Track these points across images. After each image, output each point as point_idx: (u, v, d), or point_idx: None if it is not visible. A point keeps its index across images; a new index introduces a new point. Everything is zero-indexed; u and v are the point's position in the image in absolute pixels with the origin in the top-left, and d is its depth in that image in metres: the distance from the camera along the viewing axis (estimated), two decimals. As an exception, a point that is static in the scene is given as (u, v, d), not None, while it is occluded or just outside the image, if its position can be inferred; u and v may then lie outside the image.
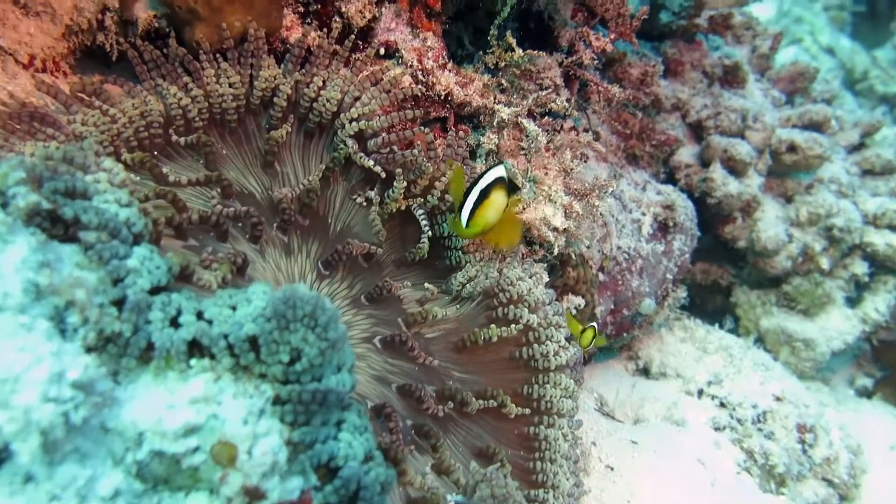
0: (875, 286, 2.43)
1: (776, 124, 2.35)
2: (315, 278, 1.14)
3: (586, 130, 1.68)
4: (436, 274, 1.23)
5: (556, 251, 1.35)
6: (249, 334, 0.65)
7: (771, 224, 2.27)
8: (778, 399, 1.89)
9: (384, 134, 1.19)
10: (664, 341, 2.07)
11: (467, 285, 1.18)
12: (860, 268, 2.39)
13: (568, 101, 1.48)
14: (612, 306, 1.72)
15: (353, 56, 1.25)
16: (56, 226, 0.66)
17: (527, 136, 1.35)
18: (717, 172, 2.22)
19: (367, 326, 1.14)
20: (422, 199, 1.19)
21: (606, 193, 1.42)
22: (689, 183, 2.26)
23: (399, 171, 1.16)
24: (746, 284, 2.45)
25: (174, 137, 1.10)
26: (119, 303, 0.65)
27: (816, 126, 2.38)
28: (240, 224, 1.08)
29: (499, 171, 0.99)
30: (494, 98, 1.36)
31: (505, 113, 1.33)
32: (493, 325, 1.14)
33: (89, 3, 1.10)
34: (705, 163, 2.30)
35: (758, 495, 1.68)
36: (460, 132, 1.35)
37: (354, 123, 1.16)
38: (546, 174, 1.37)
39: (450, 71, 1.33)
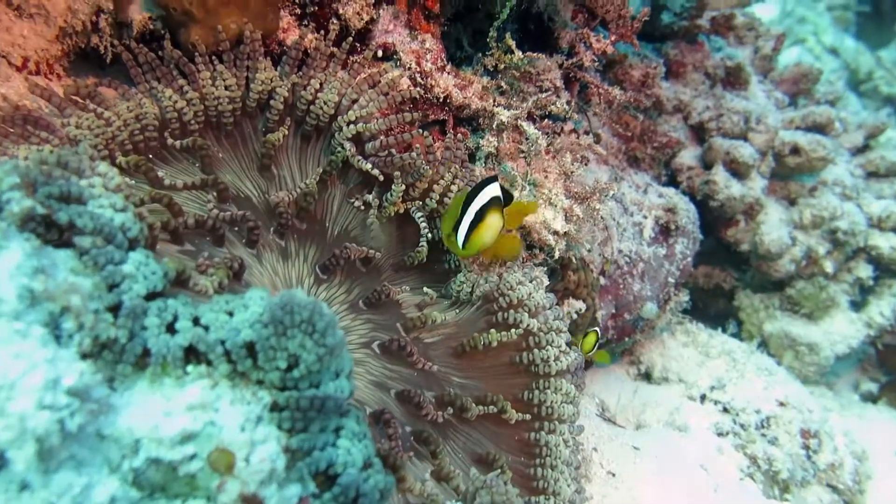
0: (880, 290, 2.42)
1: (779, 126, 2.34)
2: (312, 283, 1.13)
3: (587, 133, 1.67)
4: (435, 278, 1.22)
5: (556, 255, 1.34)
6: (246, 340, 0.64)
7: (774, 227, 2.26)
8: (782, 404, 1.87)
9: (382, 137, 1.18)
10: (666, 346, 2.07)
11: (466, 289, 1.17)
12: (865, 271, 2.38)
13: (568, 103, 1.48)
14: (614, 310, 1.72)
15: (351, 58, 1.24)
16: (50, 231, 0.65)
17: (527, 139, 1.35)
18: (720, 175, 2.21)
19: (365, 331, 1.13)
20: (420, 203, 1.19)
21: (607, 196, 1.41)
22: (692, 185, 2.25)
23: (397, 174, 1.15)
24: (749, 288, 2.44)
25: (169, 141, 1.09)
26: (114, 309, 0.65)
27: (820, 128, 2.36)
28: (236, 228, 1.07)
29: (494, 190, 0.98)
30: (494, 100, 1.35)
31: (504, 115, 1.33)
32: (492, 330, 1.13)
33: (83, 4, 1.09)
34: (707, 165, 2.29)
35: (761, 501, 1.67)
36: (459, 135, 1.34)
37: (352, 126, 1.15)
38: (546, 177, 1.36)
39: (448, 73, 1.33)
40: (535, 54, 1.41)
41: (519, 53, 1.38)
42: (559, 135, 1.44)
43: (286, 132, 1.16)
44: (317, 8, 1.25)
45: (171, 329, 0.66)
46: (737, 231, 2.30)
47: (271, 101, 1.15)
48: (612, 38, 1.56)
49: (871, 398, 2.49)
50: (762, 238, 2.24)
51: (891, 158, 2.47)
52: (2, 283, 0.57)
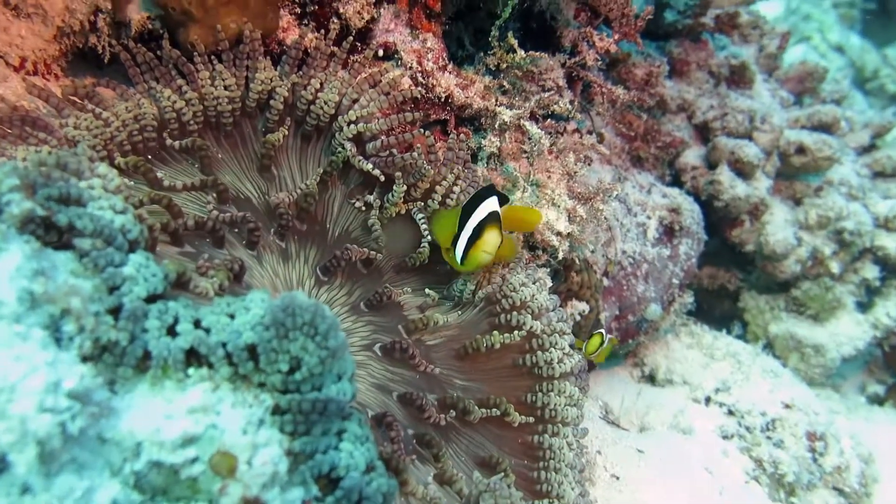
0: (887, 291, 2.39)
1: (784, 125, 2.32)
2: (313, 285, 1.13)
3: (590, 132, 1.66)
4: (436, 279, 1.21)
5: (559, 256, 1.34)
6: (248, 343, 0.64)
7: (779, 227, 2.24)
8: (787, 406, 1.86)
9: (383, 137, 1.17)
10: (670, 347, 2.05)
11: (469, 291, 1.17)
12: (871, 272, 2.36)
13: (571, 102, 1.47)
14: (617, 312, 1.71)
15: (352, 58, 1.23)
16: (50, 233, 0.65)
17: (529, 139, 1.34)
18: (725, 175, 2.19)
19: (366, 334, 1.12)
20: (422, 203, 1.18)
21: (611, 197, 1.40)
22: (696, 185, 2.23)
23: (399, 174, 1.15)
24: (755, 289, 2.42)
25: (168, 141, 1.09)
26: (115, 311, 0.64)
27: (826, 127, 2.34)
28: (236, 230, 1.07)
29: (492, 205, 0.98)
30: (496, 100, 1.35)
31: (507, 115, 1.32)
32: (495, 332, 1.13)
33: (81, 4, 1.09)
34: (712, 165, 2.27)
35: (767, 505, 1.65)
36: (461, 135, 1.33)
37: (353, 126, 1.15)
38: (549, 178, 1.35)
39: (450, 73, 1.32)
40: (537, 53, 1.40)
41: (521, 52, 1.37)
42: (562, 135, 1.43)
43: (286, 132, 1.15)
44: (317, 7, 1.24)
45: (171, 332, 0.65)
46: (742, 231, 2.28)
47: (271, 101, 1.14)
48: (616, 36, 1.55)
49: (877, 400, 2.46)
50: (767, 238, 2.22)
51: (897, 158, 2.45)
52: (2, 285, 0.57)
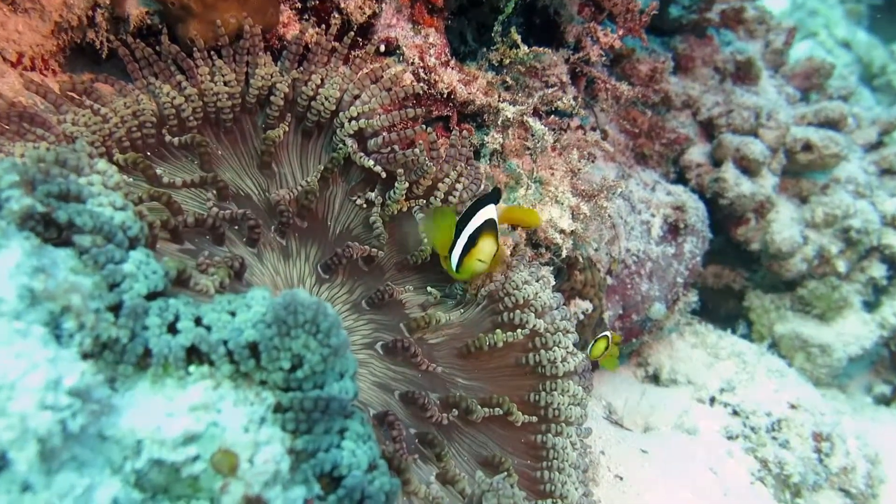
0: (894, 290, 2.37)
1: (791, 122, 2.30)
2: (314, 282, 1.12)
3: (594, 129, 1.64)
4: (438, 277, 1.20)
5: (563, 254, 1.33)
6: (249, 340, 0.63)
7: (785, 225, 2.21)
8: (793, 407, 1.84)
9: (385, 133, 1.16)
10: (674, 347, 2.03)
11: (471, 289, 1.16)
12: (878, 271, 2.34)
13: (575, 98, 1.45)
14: (621, 311, 1.69)
15: (353, 53, 1.22)
16: (50, 229, 0.64)
17: (532, 136, 1.33)
18: (730, 172, 2.17)
19: (368, 332, 1.11)
20: (424, 201, 1.17)
21: (615, 194, 1.39)
22: (701, 183, 2.21)
23: (400, 171, 1.14)
24: (760, 288, 2.40)
25: (168, 137, 1.08)
26: (115, 308, 0.64)
27: (832, 124, 2.31)
28: (236, 227, 1.06)
29: (489, 213, 0.99)
30: (499, 96, 1.34)
31: (510, 111, 1.31)
32: (498, 331, 1.12)
33: (79, -1, 1.09)
34: (717, 162, 2.24)
35: (772, 505, 1.64)
36: (464, 131, 1.32)
37: (354, 122, 1.14)
38: (552, 175, 1.34)
39: (452, 68, 1.31)
40: (540, 49, 1.39)
41: (524, 48, 1.36)
42: (565, 131, 1.42)
43: (287, 129, 1.14)
44: (318, 2, 1.23)
45: (172, 329, 0.65)
46: (747, 230, 2.26)
47: (271, 97, 1.13)
48: (620, 32, 1.53)
49: (884, 400, 2.44)
50: (773, 237, 2.20)
51: (905, 155, 2.42)
52: (2, 282, 0.56)
